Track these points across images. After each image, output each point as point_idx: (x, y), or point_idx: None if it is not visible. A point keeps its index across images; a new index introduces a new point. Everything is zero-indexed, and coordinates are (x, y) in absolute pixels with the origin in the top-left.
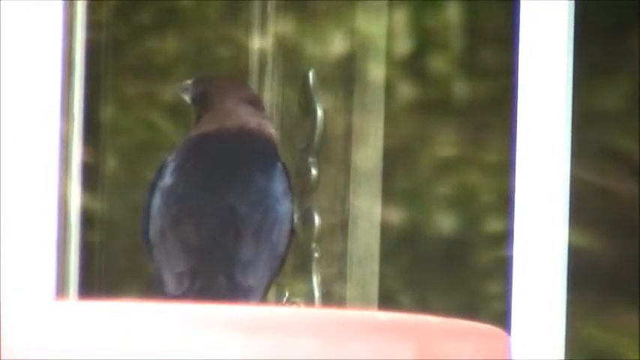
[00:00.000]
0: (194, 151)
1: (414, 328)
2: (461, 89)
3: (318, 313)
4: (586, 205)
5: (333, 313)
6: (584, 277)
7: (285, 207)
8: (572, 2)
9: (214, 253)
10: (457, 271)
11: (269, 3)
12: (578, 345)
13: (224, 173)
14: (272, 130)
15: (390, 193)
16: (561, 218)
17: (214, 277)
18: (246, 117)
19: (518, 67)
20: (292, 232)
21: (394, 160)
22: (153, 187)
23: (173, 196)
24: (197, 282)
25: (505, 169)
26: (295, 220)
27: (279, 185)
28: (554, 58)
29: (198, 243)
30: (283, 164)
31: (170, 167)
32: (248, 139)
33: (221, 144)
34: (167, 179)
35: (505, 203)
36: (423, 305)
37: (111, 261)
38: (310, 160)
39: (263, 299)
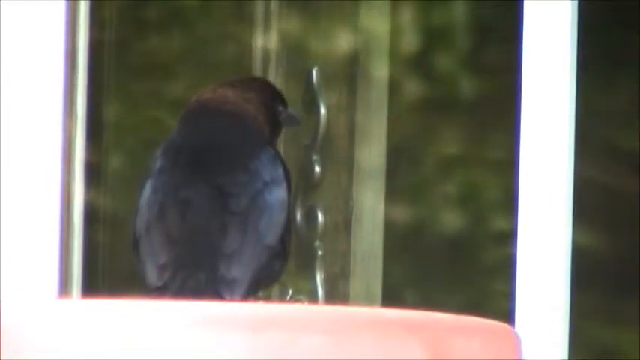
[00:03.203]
0: (180, 140)
1: (423, 325)
2: (465, 87)
3: (326, 310)
4: (590, 204)
5: (341, 310)
6: (589, 276)
7: (275, 195)
8: (575, 2)
9: (198, 243)
10: (462, 269)
11: (273, 1)
12: (582, 343)
13: (211, 160)
14: (261, 116)
15: (394, 191)
16: (565, 216)
17: (196, 268)
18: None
19: (522, 65)
20: (287, 222)
21: (398, 157)
22: (143, 184)
23: (160, 184)
24: (179, 274)
25: (510, 167)
26: (299, 217)
27: (268, 172)
28: (558, 56)
29: (181, 234)
30: (276, 151)
31: (159, 159)
32: (235, 125)
33: (208, 131)
34: (155, 170)
35: (510, 201)
36: (427, 303)
37: (115, 259)
38: (314, 157)
39: (249, 292)
